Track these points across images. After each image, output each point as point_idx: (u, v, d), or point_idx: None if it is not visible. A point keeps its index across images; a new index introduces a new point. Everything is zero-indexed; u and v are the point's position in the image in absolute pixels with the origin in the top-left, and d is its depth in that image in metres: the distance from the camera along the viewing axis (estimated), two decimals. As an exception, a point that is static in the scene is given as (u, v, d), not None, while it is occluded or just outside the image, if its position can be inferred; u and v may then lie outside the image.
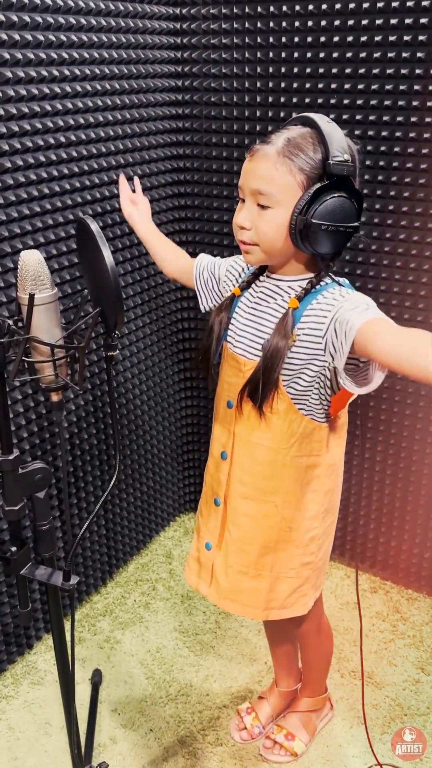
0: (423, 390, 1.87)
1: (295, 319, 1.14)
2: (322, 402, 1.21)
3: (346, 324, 1.06)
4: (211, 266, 1.42)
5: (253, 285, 1.27)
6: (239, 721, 1.69)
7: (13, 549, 1.11)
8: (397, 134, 1.67)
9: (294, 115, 1.75)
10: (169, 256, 1.52)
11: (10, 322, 0.99)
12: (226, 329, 1.28)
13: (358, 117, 1.70)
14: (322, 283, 1.17)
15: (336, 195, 1.08)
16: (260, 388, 1.17)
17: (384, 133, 1.68)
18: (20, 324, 1.01)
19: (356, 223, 1.11)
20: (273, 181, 1.09)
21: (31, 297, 0.95)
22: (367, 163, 1.73)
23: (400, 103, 1.64)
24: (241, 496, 1.29)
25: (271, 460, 1.24)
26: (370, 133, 1.70)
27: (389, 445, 1.98)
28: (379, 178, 1.73)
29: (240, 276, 1.33)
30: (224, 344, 1.29)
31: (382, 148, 1.69)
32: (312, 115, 1.13)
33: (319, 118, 1.11)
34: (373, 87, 1.65)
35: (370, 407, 1.97)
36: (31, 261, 0.97)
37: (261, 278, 1.25)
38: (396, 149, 1.68)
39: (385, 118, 1.67)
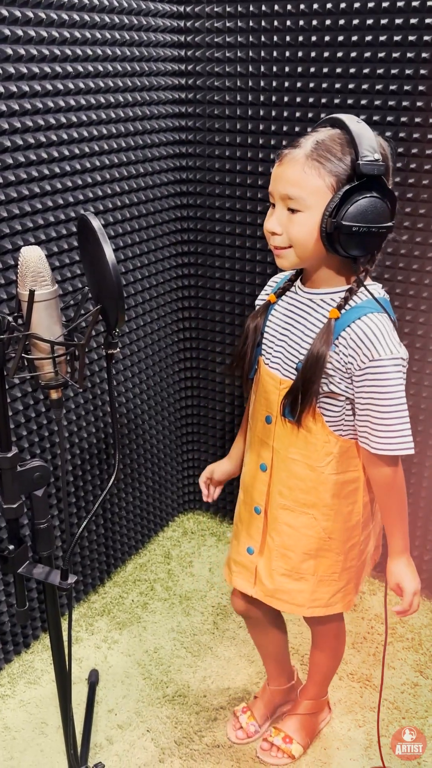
0: (424, 392, 1.86)
1: (335, 331, 1.14)
2: (347, 419, 1.22)
3: (360, 421, 1.17)
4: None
5: (288, 293, 1.26)
6: (235, 721, 1.69)
7: (11, 547, 1.10)
8: (401, 134, 1.66)
9: (298, 115, 1.77)
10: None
11: (10, 318, 0.99)
12: (261, 337, 1.28)
13: (361, 117, 1.68)
14: (361, 298, 1.15)
15: (367, 195, 1.06)
16: (300, 397, 1.17)
17: (388, 134, 1.68)
18: (20, 321, 1.00)
19: (389, 224, 1.09)
20: (302, 184, 1.08)
21: (31, 293, 0.94)
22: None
23: (404, 103, 1.63)
24: (281, 507, 1.31)
25: (308, 476, 1.25)
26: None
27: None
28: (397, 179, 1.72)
29: (273, 288, 1.33)
30: (260, 358, 1.29)
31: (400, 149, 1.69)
32: (341, 115, 1.11)
33: (348, 119, 1.10)
34: (377, 87, 1.65)
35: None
36: (32, 257, 0.96)
37: (293, 288, 1.25)
38: (399, 149, 1.67)
39: (389, 118, 1.66)
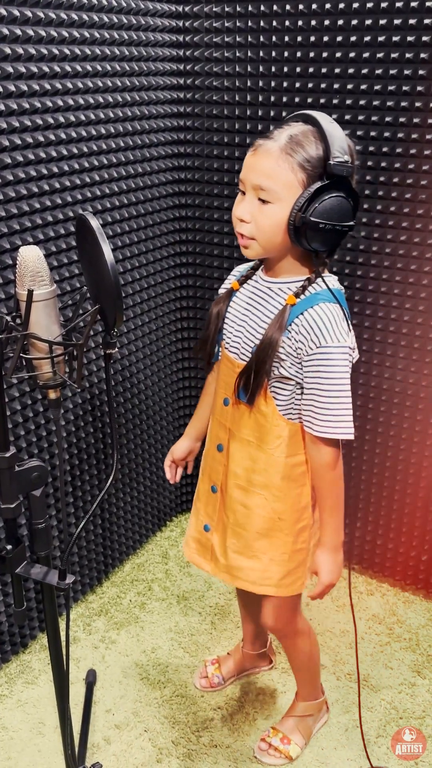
0: (422, 393, 1.86)
1: (291, 315, 1.19)
2: (296, 403, 1.26)
3: (306, 402, 1.22)
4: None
5: (249, 281, 1.32)
6: (203, 669, 1.81)
7: (9, 547, 1.10)
8: (399, 135, 1.66)
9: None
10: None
11: (8, 318, 0.99)
12: (223, 323, 1.33)
13: (360, 117, 1.69)
14: (317, 288, 1.20)
15: (334, 195, 1.12)
16: (251, 378, 1.22)
17: (386, 134, 1.68)
18: (18, 320, 1.00)
19: (351, 223, 1.15)
20: (275, 177, 1.12)
21: (30, 293, 0.94)
22: (369, 163, 1.72)
23: (403, 104, 1.63)
24: (235, 486, 1.36)
25: (259, 457, 1.31)
26: (372, 133, 1.69)
27: (387, 447, 1.98)
28: (381, 179, 1.72)
29: (237, 276, 1.38)
30: (222, 343, 1.34)
31: (384, 149, 1.69)
32: (314, 113, 1.15)
33: (321, 117, 1.14)
34: (376, 87, 1.65)
35: (369, 409, 1.96)
36: (31, 257, 0.96)
37: (255, 277, 1.31)
38: (398, 150, 1.67)
39: (388, 119, 1.66)
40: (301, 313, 1.18)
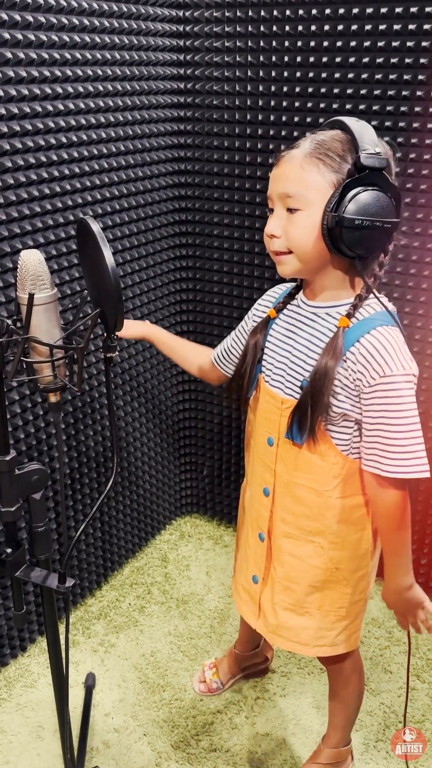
0: (422, 396, 1.87)
1: (346, 342, 1.08)
2: (354, 439, 1.15)
3: (371, 430, 1.09)
4: (229, 343, 1.37)
5: (289, 307, 1.21)
6: (201, 674, 1.81)
7: (9, 550, 1.10)
8: (399, 140, 1.67)
9: (297, 119, 1.77)
10: (191, 355, 1.48)
11: (9, 321, 0.99)
12: (261, 354, 1.23)
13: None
14: (371, 309, 1.09)
15: (369, 189, 1.02)
16: (308, 415, 1.10)
17: (386, 139, 1.68)
18: (19, 324, 1.00)
19: (396, 219, 1.05)
20: (300, 181, 1.05)
21: (31, 297, 0.95)
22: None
23: (402, 109, 1.64)
24: (284, 535, 1.24)
25: (314, 501, 1.18)
26: (373, 122, 1.69)
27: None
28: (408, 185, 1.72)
29: (273, 302, 1.28)
30: (260, 376, 1.23)
31: (385, 138, 1.68)
32: (341, 118, 1.09)
33: (348, 119, 1.07)
34: (376, 92, 1.65)
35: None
36: (31, 261, 0.96)
37: (295, 302, 1.20)
38: (399, 139, 1.67)
39: (387, 123, 1.67)
40: (358, 340, 1.07)
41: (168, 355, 1.52)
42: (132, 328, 1.50)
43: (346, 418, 1.12)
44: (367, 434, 1.10)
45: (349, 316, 1.08)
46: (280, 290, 1.28)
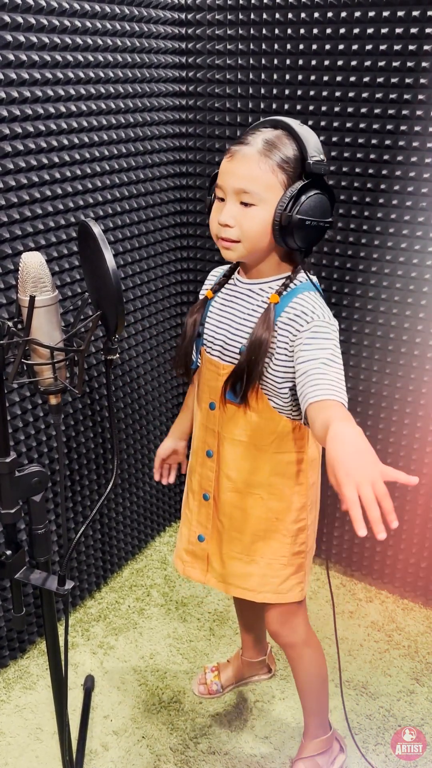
0: (422, 399, 1.87)
1: (276, 313, 1.20)
2: (293, 400, 1.25)
3: (301, 382, 1.11)
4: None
5: (224, 287, 1.32)
6: (202, 676, 1.81)
7: (8, 552, 1.10)
8: (401, 143, 1.67)
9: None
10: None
11: (10, 323, 0.99)
12: (201, 332, 1.32)
13: (362, 125, 1.70)
14: (297, 282, 1.23)
15: (316, 192, 1.15)
16: (244, 379, 1.22)
17: (388, 142, 1.68)
18: (20, 326, 1.00)
19: (331, 219, 1.19)
20: (256, 180, 1.14)
21: (32, 299, 0.95)
22: (370, 171, 1.73)
23: (404, 112, 1.64)
24: (228, 490, 1.35)
25: (254, 455, 1.30)
26: (374, 141, 1.70)
27: (387, 454, 1.98)
28: (382, 186, 1.73)
29: (210, 285, 1.39)
30: (202, 348, 1.33)
31: (385, 157, 1.70)
32: (282, 118, 1.19)
33: (291, 121, 1.17)
34: (377, 95, 1.65)
35: (368, 415, 1.96)
36: (33, 263, 0.97)
37: (232, 281, 1.32)
38: (399, 158, 1.68)
39: (389, 126, 1.67)
40: (285, 308, 1.20)
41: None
42: (165, 447, 1.58)
43: (286, 384, 1.22)
44: (300, 376, 1.12)
45: (279, 293, 1.21)
46: (215, 274, 1.40)
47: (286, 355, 1.20)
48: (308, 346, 1.15)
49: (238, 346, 1.25)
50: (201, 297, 1.37)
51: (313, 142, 1.15)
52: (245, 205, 1.16)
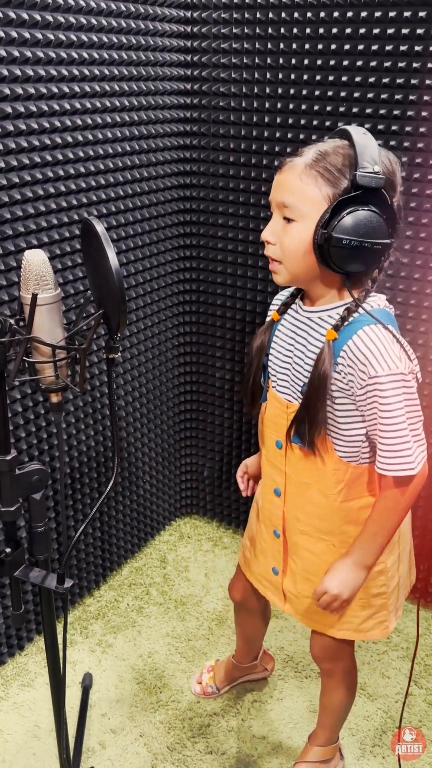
0: (424, 402, 1.86)
1: (335, 352, 1.09)
2: (363, 445, 1.16)
3: (373, 431, 1.10)
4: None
5: (290, 310, 1.22)
6: (199, 676, 1.81)
7: (8, 550, 1.10)
8: (406, 144, 1.67)
9: (303, 122, 1.77)
10: None
11: (12, 321, 0.99)
12: (266, 363, 1.24)
13: (367, 126, 1.69)
14: (360, 311, 1.10)
15: (362, 208, 1.02)
16: (306, 424, 1.13)
17: (392, 142, 1.68)
18: (22, 323, 1.00)
19: (386, 240, 1.04)
20: (297, 193, 1.05)
21: (34, 297, 0.94)
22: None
23: (410, 113, 1.63)
24: (299, 532, 1.27)
25: (322, 502, 1.21)
26: (379, 143, 1.69)
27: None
28: (413, 190, 1.72)
29: (278, 304, 1.29)
30: (268, 381, 1.26)
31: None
32: (348, 127, 1.08)
33: (354, 130, 1.06)
34: (383, 96, 1.65)
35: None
36: (35, 261, 0.96)
37: (294, 306, 1.22)
38: (404, 159, 1.68)
39: (394, 127, 1.66)
40: (345, 345, 1.08)
41: None
42: (255, 463, 1.48)
43: (348, 431, 1.14)
44: (371, 432, 1.12)
45: (336, 327, 1.10)
46: (284, 294, 1.29)
47: (348, 398, 1.11)
48: (372, 411, 1.08)
49: (301, 384, 1.15)
50: (268, 319, 1.27)
51: (370, 150, 1.02)
52: (287, 220, 1.07)
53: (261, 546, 1.40)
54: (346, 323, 1.10)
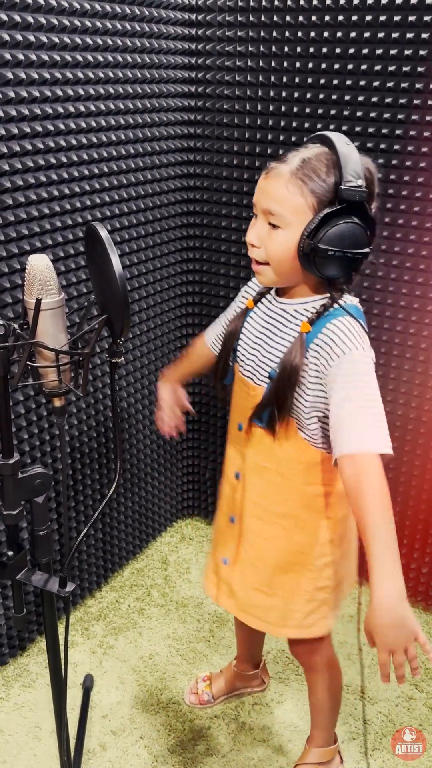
0: (426, 405, 1.86)
1: (307, 343, 1.13)
2: (327, 432, 1.17)
3: (332, 423, 1.07)
4: (219, 329, 1.41)
5: (261, 303, 1.26)
6: (194, 685, 1.79)
7: (10, 553, 1.10)
8: (410, 148, 1.67)
9: (307, 125, 1.77)
10: (198, 363, 1.51)
11: (16, 326, 0.99)
12: (237, 341, 1.27)
13: (371, 129, 1.69)
14: (335, 306, 1.14)
15: (346, 221, 1.06)
16: (274, 411, 1.16)
17: (396, 147, 1.68)
18: (25, 327, 1.00)
19: (366, 250, 1.09)
20: (284, 201, 1.08)
21: (38, 302, 0.95)
22: (377, 176, 1.72)
23: (414, 117, 1.63)
24: (253, 516, 1.29)
25: (279, 483, 1.24)
26: (383, 146, 1.69)
27: (389, 459, 1.97)
28: (389, 191, 1.72)
29: (254, 291, 1.32)
30: (235, 365, 1.28)
31: (394, 161, 1.69)
32: (331, 134, 1.11)
33: (338, 139, 1.09)
34: (387, 100, 1.65)
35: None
36: (39, 266, 0.96)
37: (269, 299, 1.25)
38: (393, 162, 1.68)
39: (400, 116, 1.66)
40: (320, 332, 1.12)
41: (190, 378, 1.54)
42: (164, 390, 1.52)
43: (316, 414, 1.16)
44: (334, 415, 1.08)
45: (311, 321, 1.14)
46: (256, 284, 1.32)
47: (318, 385, 1.13)
48: (342, 386, 1.08)
49: (268, 369, 1.19)
50: (241, 306, 1.31)
51: (353, 164, 1.06)
52: (273, 226, 1.10)
53: (215, 538, 1.44)
54: (320, 318, 1.14)
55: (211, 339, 1.46)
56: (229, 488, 1.36)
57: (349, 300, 1.17)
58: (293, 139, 1.81)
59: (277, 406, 1.16)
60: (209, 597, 1.46)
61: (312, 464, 1.21)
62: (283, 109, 1.80)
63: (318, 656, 1.44)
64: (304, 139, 1.12)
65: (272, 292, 1.25)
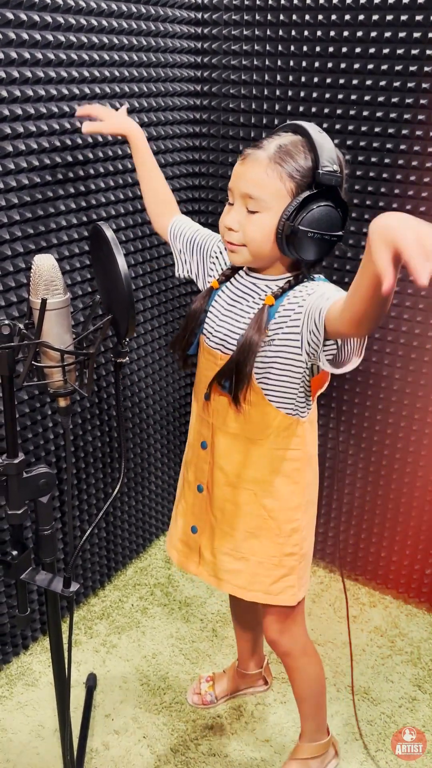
0: (431, 406, 1.86)
1: (270, 315, 1.18)
2: (297, 396, 1.23)
3: (317, 313, 1.10)
4: (188, 236, 1.41)
5: (231, 279, 1.30)
6: (197, 685, 1.79)
7: (14, 553, 1.10)
8: (402, 147, 1.66)
9: (314, 110, 1.76)
10: (158, 209, 1.47)
11: (21, 325, 0.99)
12: (203, 321, 1.31)
13: (377, 129, 1.69)
14: (300, 283, 1.20)
15: (323, 204, 1.11)
16: (233, 380, 1.20)
17: (389, 145, 1.67)
18: (31, 327, 1.00)
19: (340, 233, 1.14)
20: (263, 186, 1.12)
21: (43, 302, 0.95)
22: (371, 174, 1.72)
23: (420, 117, 1.63)
24: (222, 483, 1.33)
25: (248, 449, 1.28)
26: (375, 144, 1.69)
27: (393, 459, 1.97)
28: (382, 190, 1.72)
29: (221, 266, 1.34)
30: (201, 337, 1.31)
31: (400, 161, 1.69)
32: (303, 123, 1.15)
33: (311, 127, 1.14)
34: (380, 99, 1.64)
35: (376, 420, 1.95)
36: (45, 265, 0.97)
37: (239, 273, 1.29)
38: (400, 162, 1.68)
39: (407, 116, 1.66)
40: (281, 305, 1.17)
41: (136, 168, 1.49)
42: (115, 123, 1.47)
43: (286, 379, 1.20)
44: (316, 308, 1.11)
45: (276, 296, 1.18)
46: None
47: (291, 347, 1.17)
48: (315, 303, 1.12)
49: (236, 339, 1.23)
50: (206, 287, 1.34)
51: (327, 151, 1.11)
52: (251, 211, 1.14)
53: (182, 507, 1.46)
54: (284, 292, 1.19)
55: (174, 229, 1.43)
56: (195, 458, 1.38)
57: (318, 276, 1.22)
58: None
59: (237, 375, 1.19)
60: (175, 564, 1.49)
61: (281, 429, 1.25)
62: (288, 108, 1.80)
63: (289, 637, 1.45)
64: (259, 141, 1.15)
65: (241, 271, 1.28)
